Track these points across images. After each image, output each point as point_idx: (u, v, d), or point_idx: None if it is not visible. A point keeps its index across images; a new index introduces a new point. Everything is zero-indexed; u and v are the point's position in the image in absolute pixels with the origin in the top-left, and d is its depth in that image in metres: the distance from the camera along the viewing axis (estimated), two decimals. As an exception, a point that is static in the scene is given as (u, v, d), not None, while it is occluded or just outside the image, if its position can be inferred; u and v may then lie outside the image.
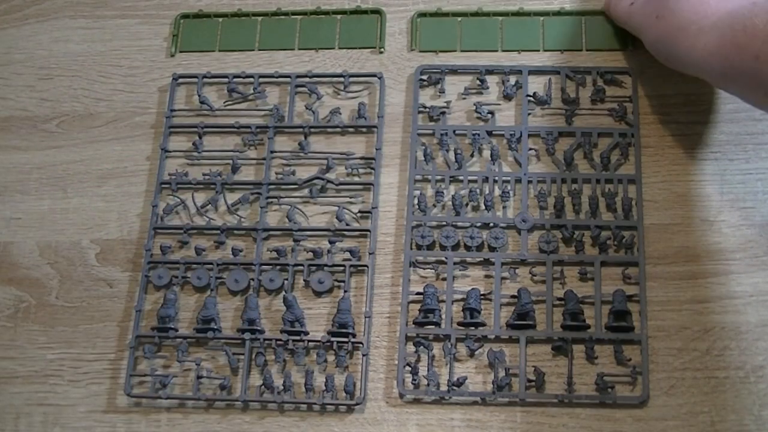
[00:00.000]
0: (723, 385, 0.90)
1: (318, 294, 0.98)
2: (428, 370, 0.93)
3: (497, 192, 1.00)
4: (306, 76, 1.07)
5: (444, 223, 0.98)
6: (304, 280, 0.98)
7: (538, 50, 1.07)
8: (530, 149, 1.01)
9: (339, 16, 1.11)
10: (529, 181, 0.99)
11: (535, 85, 1.05)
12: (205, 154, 1.05)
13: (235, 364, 0.95)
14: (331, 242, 0.99)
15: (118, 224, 1.04)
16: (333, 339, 0.94)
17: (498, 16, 1.09)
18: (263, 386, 0.93)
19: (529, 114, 1.03)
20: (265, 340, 0.95)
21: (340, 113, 1.05)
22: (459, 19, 1.09)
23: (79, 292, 1.01)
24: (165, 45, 1.12)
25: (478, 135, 1.02)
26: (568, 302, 0.93)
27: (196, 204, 1.03)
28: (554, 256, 0.96)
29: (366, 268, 0.97)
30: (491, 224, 0.98)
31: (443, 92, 1.05)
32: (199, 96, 1.07)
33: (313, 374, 0.94)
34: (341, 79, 1.07)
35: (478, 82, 1.05)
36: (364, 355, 0.94)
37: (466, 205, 0.99)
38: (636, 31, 0.99)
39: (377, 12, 1.10)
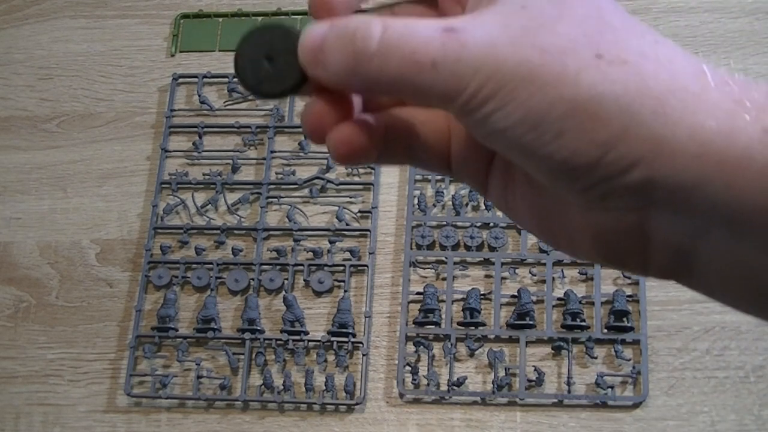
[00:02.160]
0: (723, 385, 0.90)
1: (318, 294, 0.98)
2: (428, 370, 0.93)
3: (497, 192, 0.99)
4: (306, 76, 1.07)
5: (444, 223, 0.98)
6: (304, 280, 0.98)
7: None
8: (530, 149, 1.01)
9: (339, 16, 1.11)
10: (529, 181, 0.99)
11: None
12: (205, 154, 1.05)
13: (235, 364, 0.95)
14: (331, 242, 0.99)
15: (118, 224, 1.03)
16: (333, 339, 0.94)
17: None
18: (263, 386, 0.93)
19: (529, 114, 1.03)
20: (265, 339, 0.95)
21: (340, 113, 1.05)
22: (459, 19, 1.09)
23: (79, 292, 1.01)
24: (165, 45, 1.12)
25: (478, 135, 1.02)
26: (568, 302, 0.93)
27: (196, 204, 1.03)
28: (554, 256, 0.96)
29: (366, 268, 0.97)
30: (491, 224, 0.98)
31: (443, 92, 1.05)
32: (199, 96, 1.07)
33: (313, 374, 0.94)
34: (341, 79, 1.07)
35: (478, 82, 1.05)
36: (364, 355, 0.94)
37: (466, 205, 0.99)
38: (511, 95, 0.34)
39: (377, 12, 1.10)
